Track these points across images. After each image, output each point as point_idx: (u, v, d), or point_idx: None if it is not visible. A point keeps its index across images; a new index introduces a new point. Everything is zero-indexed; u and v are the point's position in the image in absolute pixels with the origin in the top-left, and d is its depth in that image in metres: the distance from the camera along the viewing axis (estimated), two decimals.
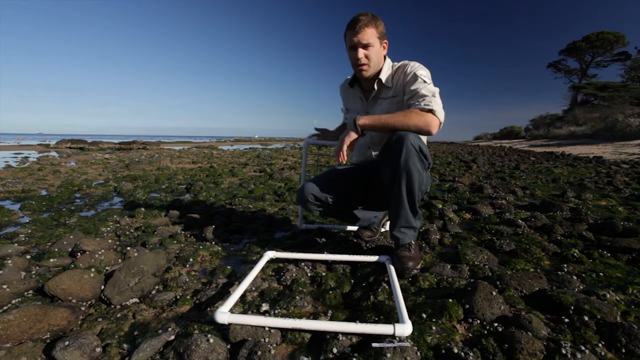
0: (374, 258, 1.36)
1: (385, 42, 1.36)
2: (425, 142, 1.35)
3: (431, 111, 1.20)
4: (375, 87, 1.41)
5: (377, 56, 1.33)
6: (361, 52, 1.30)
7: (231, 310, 0.95)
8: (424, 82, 1.26)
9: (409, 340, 0.84)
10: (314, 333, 0.92)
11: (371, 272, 1.32)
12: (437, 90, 1.25)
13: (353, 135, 1.25)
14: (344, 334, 0.88)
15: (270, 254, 1.39)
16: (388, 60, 1.41)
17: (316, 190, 1.45)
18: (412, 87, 1.26)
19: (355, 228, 1.77)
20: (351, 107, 1.58)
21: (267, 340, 0.87)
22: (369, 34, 1.28)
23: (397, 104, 1.37)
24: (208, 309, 1.07)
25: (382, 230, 1.78)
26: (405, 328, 0.85)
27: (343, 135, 1.27)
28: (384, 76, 1.38)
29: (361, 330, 0.86)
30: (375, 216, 1.70)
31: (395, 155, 1.17)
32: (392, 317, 0.97)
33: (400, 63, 1.39)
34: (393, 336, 0.84)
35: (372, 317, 0.99)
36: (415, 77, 1.27)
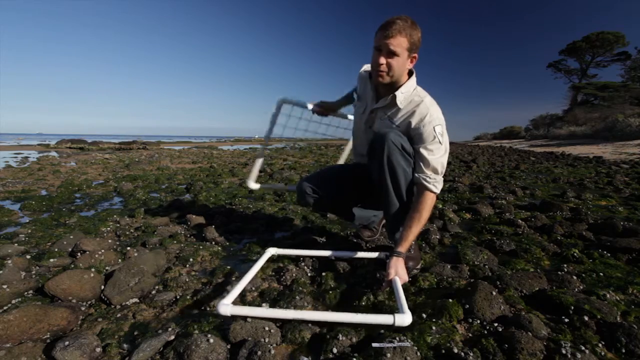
0: (374, 254, 1.38)
1: (414, 56, 1.21)
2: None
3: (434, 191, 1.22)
4: (388, 100, 1.29)
5: (400, 68, 1.19)
6: (383, 59, 1.16)
7: (234, 303, 0.96)
8: (439, 142, 1.20)
9: (409, 340, 0.84)
10: (314, 333, 0.92)
11: (371, 272, 1.32)
12: (447, 153, 1.23)
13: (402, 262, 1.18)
14: (345, 324, 0.89)
15: (271, 251, 1.42)
16: (412, 80, 1.27)
17: (314, 182, 1.46)
18: (430, 147, 1.20)
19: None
20: (363, 96, 1.47)
21: (267, 340, 0.87)
22: (398, 43, 1.14)
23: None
24: (208, 309, 1.07)
25: (382, 230, 1.78)
26: (405, 318, 0.86)
27: (397, 269, 1.14)
28: (400, 97, 1.25)
29: (362, 321, 0.87)
30: (375, 215, 1.70)
31: (378, 154, 1.20)
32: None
33: (420, 95, 1.26)
34: (393, 325, 0.86)
35: None
36: (432, 135, 1.19)
